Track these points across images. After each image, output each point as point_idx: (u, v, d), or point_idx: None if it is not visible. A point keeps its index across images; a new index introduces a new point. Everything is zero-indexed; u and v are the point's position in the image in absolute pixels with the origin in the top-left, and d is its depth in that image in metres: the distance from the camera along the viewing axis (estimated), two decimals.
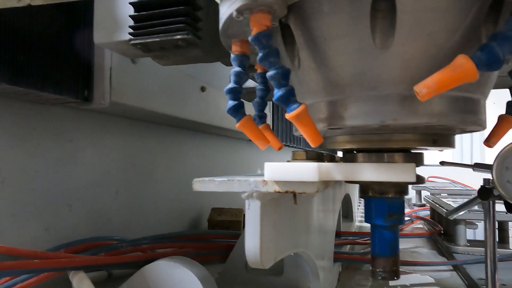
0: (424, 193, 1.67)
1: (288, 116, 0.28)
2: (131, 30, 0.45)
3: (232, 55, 0.35)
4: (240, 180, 0.32)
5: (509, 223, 0.98)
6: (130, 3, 0.45)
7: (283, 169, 0.30)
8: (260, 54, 0.28)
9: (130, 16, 0.45)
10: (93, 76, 0.57)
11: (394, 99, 0.27)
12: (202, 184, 0.34)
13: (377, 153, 0.32)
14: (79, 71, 0.55)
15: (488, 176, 0.39)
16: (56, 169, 0.60)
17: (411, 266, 0.81)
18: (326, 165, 0.30)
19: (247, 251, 0.32)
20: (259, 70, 0.40)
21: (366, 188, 0.34)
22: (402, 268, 0.79)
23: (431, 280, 0.73)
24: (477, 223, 1.12)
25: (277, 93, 0.28)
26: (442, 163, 0.47)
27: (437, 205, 1.04)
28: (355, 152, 0.34)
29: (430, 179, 2.04)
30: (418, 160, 0.32)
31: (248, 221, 0.32)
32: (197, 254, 0.65)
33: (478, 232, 1.05)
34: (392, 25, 0.26)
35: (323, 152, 0.37)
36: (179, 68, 0.78)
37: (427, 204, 1.31)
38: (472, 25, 0.26)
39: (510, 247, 0.93)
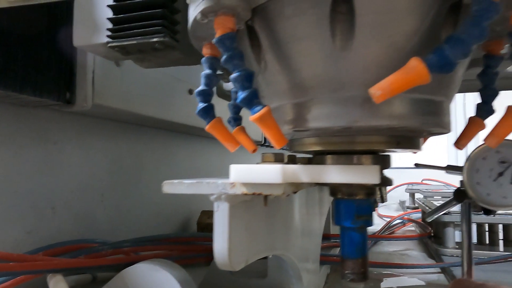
0: (418, 196, 1.68)
1: (251, 118, 0.28)
2: (109, 33, 0.46)
3: (203, 58, 0.35)
4: (209, 182, 0.32)
5: (499, 225, 0.99)
6: (108, 6, 0.45)
7: (248, 171, 0.30)
8: (224, 56, 0.28)
9: (108, 18, 0.45)
10: (75, 79, 0.57)
11: (355, 101, 0.27)
12: (171, 186, 0.34)
13: (345, 155, 0.32)
14: (61, 73, 0.56)
15: (461, 178, 0.39)
16: (39, 171, 0.60)
17: (399, 269, 0.81)
18: (291, 167, 0.30)
19: (216, 253, 0.33)
20: None
21: (335, 190, 0.34)
22: (390, 271, 0.80)
23: (419, 282, 0.73)
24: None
25: (241, 95, 0.28)
26: (417, 165, 0.48)
27: (426, 208, 1.04)
28: (324, 154, 0.34)
29: (424, 181, 2.04)
30: (384, 162, 0.33)
31: (217, 223, 0.33)
32: (181, 257, 0.65)
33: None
34: (352, 28, 0.26)
35: (295, 154, 0.37)
36: (166, 70, 0.78)
37: (420, 207, 1.31)
38: (431, 27, 0.26)
39: (500, 249, 0.93)
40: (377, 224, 1.36)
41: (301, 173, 0.30)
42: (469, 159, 0.37)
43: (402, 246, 1.06)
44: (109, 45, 0.45)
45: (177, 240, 0.66)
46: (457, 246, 0.93)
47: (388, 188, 2.27)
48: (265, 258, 0.63)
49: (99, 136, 0.72)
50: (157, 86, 0.76)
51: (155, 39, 0.44)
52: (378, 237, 1.08)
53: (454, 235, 0.96)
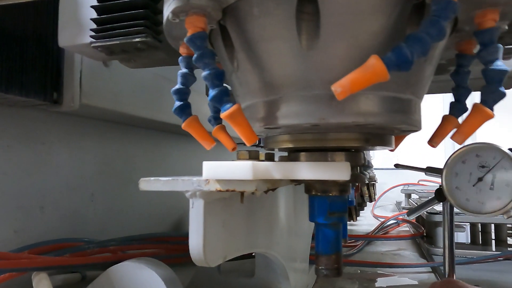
0: (414, 196, 1.68)
1: (222, 115, 0.29)
2: (93, 33, 0.46)
3: (180, 57, 0.36)
4: (184, 180, 0.33)
5: (492, 225, 0.99)
6: (92, 7, 0.46)
7: (219, 168, 0.31)
8: (195, 55, 0.29)
9: (92, 19, 0.46)
10: (62, 79, 0.58)
11: (322, 99, 0.27)
12: (148, 184, 0.34)
13: (318, 152, 0.33)
14: (47, 73, 0.56)
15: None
16: (27, 171, 0.60)
17: (390, 268, 0.82)
18: (263, 164, 0.31)
19: (191, 249, 0.33)
20: None
21: (309, 187, 0.35)
22: (382, 270, 0.80)
23: (410, 282, 0.74)
24: (464, 226, 1.13)
25: (211, 93, 0.29)
26: (396, 166, 0.48)
27: None
28: (299, 151, 0.35)
29: (420, 182, 2.05)
30: (356, 159, 0.33)
31: (192, 219, 0.33)
32: (170, 256, 0.66)
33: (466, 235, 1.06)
34: (317, 28, 0.26)
35: (273, 152, 0.38)
36: (157, 71, 0.79)
37: None
38: (396, 27, 0.27)
39: (493, 249, 0.93)
40: (373, 224, 1.37)
41: (273, 169, 0.31)
42: (448, 163, 0.37)
43: (395, 246, 1.07)
44: (93, 45, 0.46)
45: (165, 240, 0.67)
46: None
47: (385, 188, 2.27)
48: (253, 257, 0.64)
49: (89, 136, 0.72)
50: (148, 87, 0.76)
51: (137, 39, 0.44)
52: (370, 237, 1.09)
53: None
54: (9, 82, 0.50)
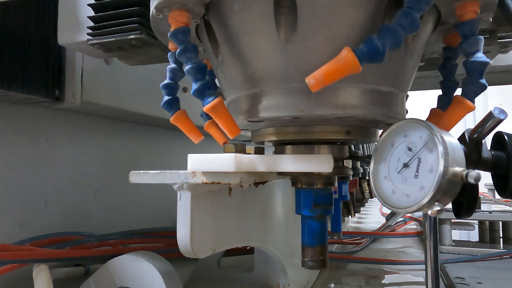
0: None
1: (204, 108, 0.29)
2: (90, 31, 0.47)
3: (168, 53, 0.36)
4: (172, 172, 0.33)
5: (499, 223, 0.98)
6: (89, 5, 0.47)
7: (204, 160, 0.31)
8: (178, 50, 0.29)
9: (89, 17, 0.47)
10: (64, 76, 0.59)
11: (301, 92, 0.28)
12: (137, 176, 0.35)
13: (303, 145, 0.33)
14: (49, 71, 0.57)
15: None
16: (31, 166, 0.62)
17: (394, 265, 0.81)
18: (247, 156, 0.31)
19: (179, 240, 0.34)
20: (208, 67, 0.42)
21: (295, 180, 0.35)
22: (385, 267, 0.80)
23: (412, 279, 0.74)
24: (474, 224, 1.12)
25: (194, 86, 0.29)
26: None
27: None
28: (285, 144, 0.35)
29: None
30: (341, 152, 0.33)
31: (180, 211, 0.34)
32: (170, 250, 0.66)
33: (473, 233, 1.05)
34: (295, 21, 0.27)
35: (263, 147, 0.38)
36: (159, 68, 0.80)
37: None
38: (373, 19, 0.27)
39: (501, 247, 0.92)
40: (380, 222, 1.36)
41: (257, 162, 0.31)
42: (376, 148, 0.30)
43: (401, 244, 1.06)
44: (89, 42, 0.47)
45: (165, 234, 0.68)
46: (454, 244, 0.92)
47: None
48: (252, 252, 0.64)
49: (93, 133, 0.74)
50: (149, 84, 0.77)
51: (132, 36, 0.45)
52: (375, 234, 1.08)
53: (451, 233, 0.95)
54: (11, 80, 0.51)
